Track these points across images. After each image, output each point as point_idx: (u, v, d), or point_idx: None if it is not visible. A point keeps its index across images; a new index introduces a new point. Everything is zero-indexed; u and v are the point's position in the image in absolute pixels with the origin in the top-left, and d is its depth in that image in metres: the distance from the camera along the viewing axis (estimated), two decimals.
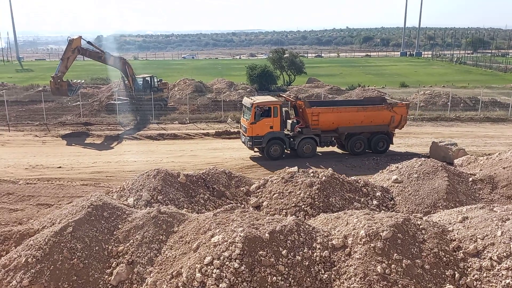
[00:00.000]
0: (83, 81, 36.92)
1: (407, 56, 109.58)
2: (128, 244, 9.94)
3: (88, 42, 33.07)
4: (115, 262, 9.60)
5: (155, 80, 36.71)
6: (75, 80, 34.59)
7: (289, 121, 23.19)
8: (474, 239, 9.28)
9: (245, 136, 22.52)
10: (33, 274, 9.07)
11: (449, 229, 9.90)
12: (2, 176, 19.00)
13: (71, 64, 31.81)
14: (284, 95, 25.40)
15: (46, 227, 10.83)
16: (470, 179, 14.69)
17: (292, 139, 22.59)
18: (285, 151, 22.73)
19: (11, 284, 8.99)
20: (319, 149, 23.50)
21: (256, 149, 22.97)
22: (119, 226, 10.46)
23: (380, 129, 23.12)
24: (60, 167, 21.15)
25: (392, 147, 24.19)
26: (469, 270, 8.85)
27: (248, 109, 22.29)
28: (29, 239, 10.12)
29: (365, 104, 24.35)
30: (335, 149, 24.17)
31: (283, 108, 23.33)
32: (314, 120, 22.40)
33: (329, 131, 22.85)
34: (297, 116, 23.28)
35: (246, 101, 22.98)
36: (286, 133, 22.82)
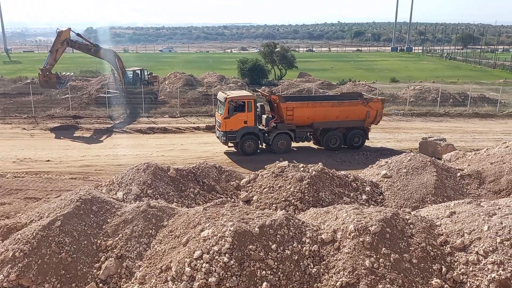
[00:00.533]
0: (72, 73, 36.59)
1: (398, 51, 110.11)
2: (117, 238, 9.89)
3: (78, 34, 32.69)
4: (104, 256, 9.55)
5: (145, 73, 36.45)
6: (64, 73, 34.23)
7: (264, 116, 22.96)
8: (461, 234, 9.38)
9: (219, 131, 22.26)
10: (20, 268, 8.99)
11: (437, 223, 10.00)
12: None
13: (60, 57, 31.44)
14: (259, 90, 25.13)
15: (34, 221, 10.74)
16: (458, 174, 14.85)
17: (266, 134, 22.36)
18: (260, 146, 22.51)
19: None
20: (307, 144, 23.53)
21: (230, 144, 22.65)
22: (108, 220, 10.40)
23: (356, 124, 22.99)
24: (48, 160, 20.97)
25: (384, 142, 24.32)
26: (455, 264, 8.96)
27: (222, 104, 22.00)
28: (17, 233, 10.02)
29: (341, 99, 24.20)
30: (311, 144, 24.01)
31: (259, 103, 23.13)
32: (289, 115, 22.21)
33: (304, 126, 22.67)
34: (272, 111, 23.05)
35: (220, 95, 22.71)
36: (261, 128, 22.60)
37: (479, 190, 14.26)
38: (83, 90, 39.91)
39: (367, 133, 23.56)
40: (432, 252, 9.14)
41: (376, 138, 25.98)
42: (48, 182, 16.88)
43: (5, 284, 8.81)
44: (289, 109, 22.22)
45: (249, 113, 21.77)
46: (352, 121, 22.89)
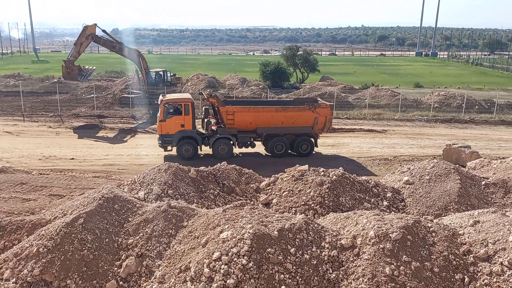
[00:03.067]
0: (94, 67, 37.25)
1: (423, 56, 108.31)
2: (137, 237, 10.02)
3: (104, 31, 33.26)
4: (124, 255, 9.69)
5: (168, 74, 36.85)
6: (87, 67, 34.95)
7: (206, 120, 22.46)
8: (485, 244, 9.18)
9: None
10: (44, 263, 9.20)
11: (460, 232, 9.81)
12: (16, 166, 19.29)
13: (84, 50, 32.30)
14: (203, 93, 24.17)
15: (57, 217, 10.97)
16: (483, 182, 14.50)
17: (207, 139, 21.79)
18: (200, 151, 21.90)
19: (22, 273, 9.12)
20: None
21: (169, 148, 21.88)
22: (129, 219, 10.55)
23: (303, 131, 22.02)
24: (72, 158, 21.42)
25: (407, 148, 23.95)
26: (479, 274, 8.76)
27: (159, 106, 21.70)
28: (41, 229, 10.25)
29: (285, 104, 23.36)
30: (259, 150, 23.05)
31: (204, 107, 22.62)
32: (229, 119, 21.47)
33: (247, 132, 21.77)
34: (215, 114, 22.33)
35: (160, 98, 22.33)
36: (203, 132, 22.08)
37: (505, 199, 13.89)
38: (108, 90, 40.64)
39: (316, 140, 22.53)
40: (454, 261, 8.97)
41: (399, 143, 25.68)
42: (72, 179, 17.20)
43: (29, 278, 9.03)
44: (229, 113, 21.45)
45: (186, 116, 21.14)
46: (299, 128, 21.92)
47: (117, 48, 33.34)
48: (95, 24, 31.91)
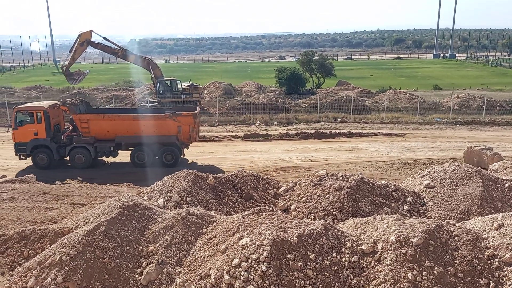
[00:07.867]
0: (88, 71, 38.27)
1: (440, 58, 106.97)
2: (158, 245, 10.10)
3: (105, 38, 33.91)
4: (145, 262, 9.77)
5: (179, 84, 36.47)
6: (83, 70, 36.29)
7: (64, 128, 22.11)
8: (510, 248, 8.97)
9: None
10: (66, 271, 9.34)
11: (483, 236, 9.61)
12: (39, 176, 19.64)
13: (79, 56, 34.08)
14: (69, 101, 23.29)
15: (79, 226, 11.14)
16: (506, 185, 14.19)
17: (62, 148, 21.23)
18: (56, 159, 21.27)
19: (46, 281, 9.28)
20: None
21: (23, 157, 21.38)
22: (149, 226, 10.64)
23: (167, 140, 21.16)
24: (93, 167, 21.69)
25: (427, 152, 23.59)
26: (504, 279, 8.56)
27: None
28: (63, 237, 10.43)
29: (143, 112, 22.73)
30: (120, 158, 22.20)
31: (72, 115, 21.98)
32: (84, 127, 21.01)
33: (106, 140, 21.20)
34: (73, 122, 21.70)
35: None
36: (61, 140, 21.41)
37: None
38: (127, 99, 41.26)
39: (182, 150, 21.74)
40: (479, 266, 8.78)
41: (418, 147, 25.34)
42: (93, 188, 17.43)
43: (52, 286, 9.17)
44: (83, 122, 21.00)
45: (39, 125, 20.80)
46: (162, 137, 21.07)
47: (120, 55, 34.08)
48: (91, 31, 32.83)
